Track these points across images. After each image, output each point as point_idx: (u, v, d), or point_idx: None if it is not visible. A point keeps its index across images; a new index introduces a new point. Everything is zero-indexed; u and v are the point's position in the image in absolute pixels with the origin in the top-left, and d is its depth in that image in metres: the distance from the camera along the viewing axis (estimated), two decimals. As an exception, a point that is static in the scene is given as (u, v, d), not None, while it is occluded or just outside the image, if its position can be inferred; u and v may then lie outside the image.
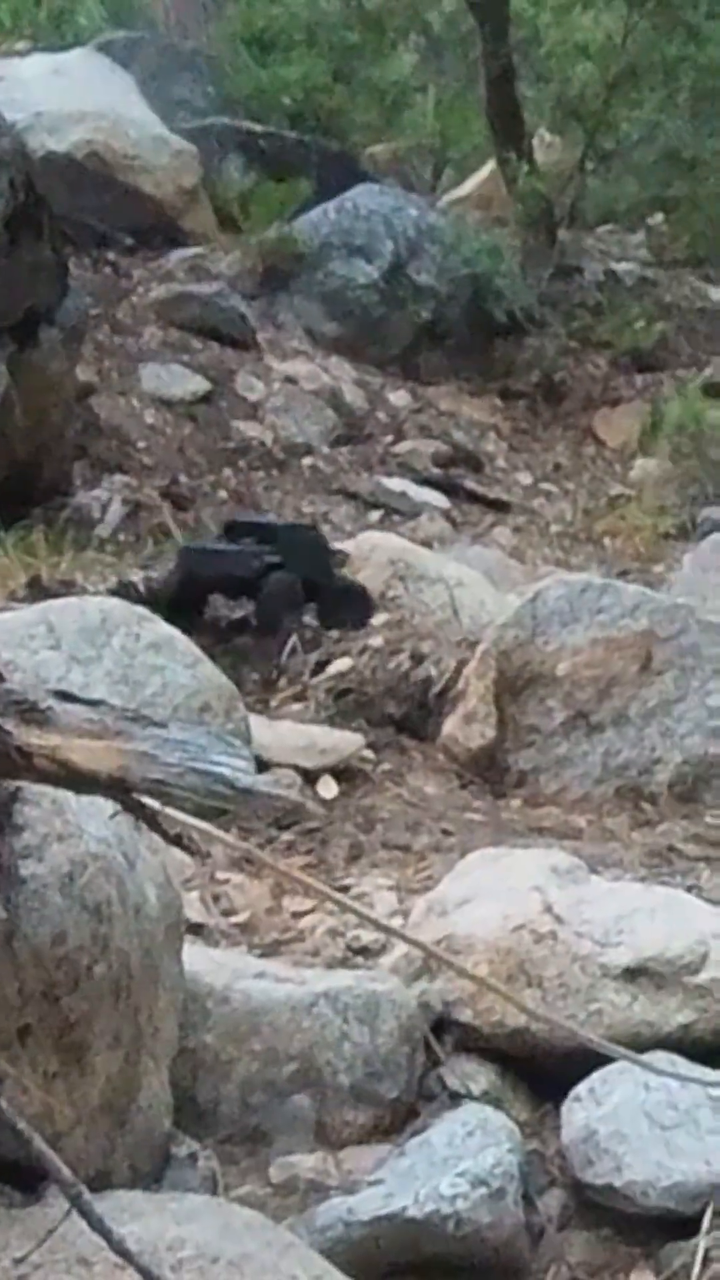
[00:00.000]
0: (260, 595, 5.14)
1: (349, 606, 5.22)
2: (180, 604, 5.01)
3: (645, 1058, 3.01)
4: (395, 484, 8.95)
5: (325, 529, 8.29)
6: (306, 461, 8.99)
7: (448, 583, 5.55)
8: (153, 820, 2.03)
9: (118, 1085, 2.47)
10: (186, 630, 4.48)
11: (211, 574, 5.25)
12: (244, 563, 5.25)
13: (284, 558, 5.25)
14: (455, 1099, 3.04)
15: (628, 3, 9.84)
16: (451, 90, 11.66)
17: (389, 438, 9.44)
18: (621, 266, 10.50)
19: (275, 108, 10.85)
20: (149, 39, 11.11)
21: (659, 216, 10.90)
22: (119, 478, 8.24)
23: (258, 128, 10.59)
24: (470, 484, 9.20)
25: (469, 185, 11.37)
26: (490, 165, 11.04)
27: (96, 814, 2.35)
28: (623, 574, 8.29)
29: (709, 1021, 3.12)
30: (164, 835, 2.06)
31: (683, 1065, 3.01)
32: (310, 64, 10.91)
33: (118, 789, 1.99)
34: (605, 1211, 2.82)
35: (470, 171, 11.57)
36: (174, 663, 4.29)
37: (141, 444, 8.86)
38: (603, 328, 9.96)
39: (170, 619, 4.46)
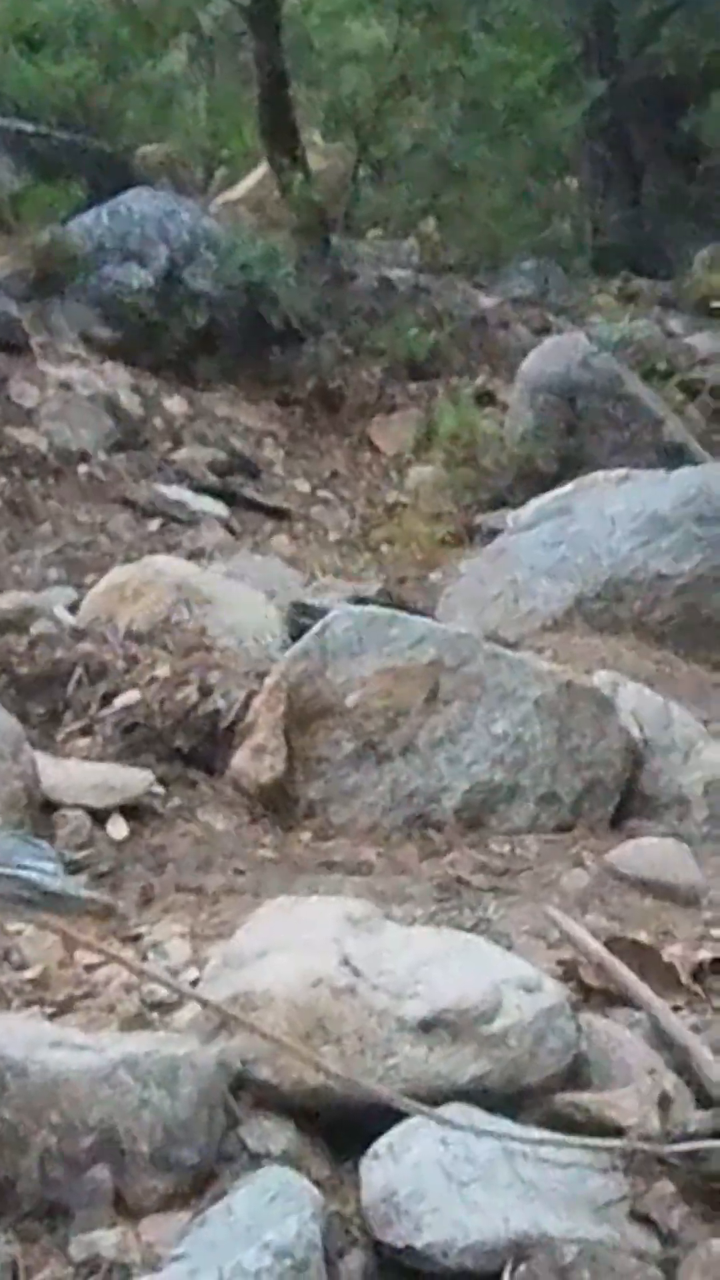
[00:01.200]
0: None
1: None
2: None
3: (441, 1111, 3.05)
4: (173, 492, 8.90)
5: (103, 539, 8.24)
6: (83, 469, 8.89)
7: (236, 608, 5.53)
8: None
9: None
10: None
11: None
12: None
13: None
14: (255, 1159, 3.04)
15: (398, 12, 9.91)
16: (223, 91, 11.62)
17: (166, 445, 9.39)
18: (395, 273, 10.58)
19: (46, 107, 10.69)
20: None
21: (431, 223, 11.01)
22: None
23: (28, 127, 10.44)
24: (248, 492, 9.20)
25: (242, 188, 11.36)
26: (263, 168, 11.04)
27: None
28: (400, 581, 8.39)
29: (503, 1071, 3.17)
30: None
31: (478, 1117, 3.06)
32: (81, 62, 10.77)
33: None
34: (406, 1272, 2.85)
35: (243, 173, 11.56)
36: (-43, 706, 4.22)
37: None
38: (377, 335, 10.04)
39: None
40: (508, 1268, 2.76)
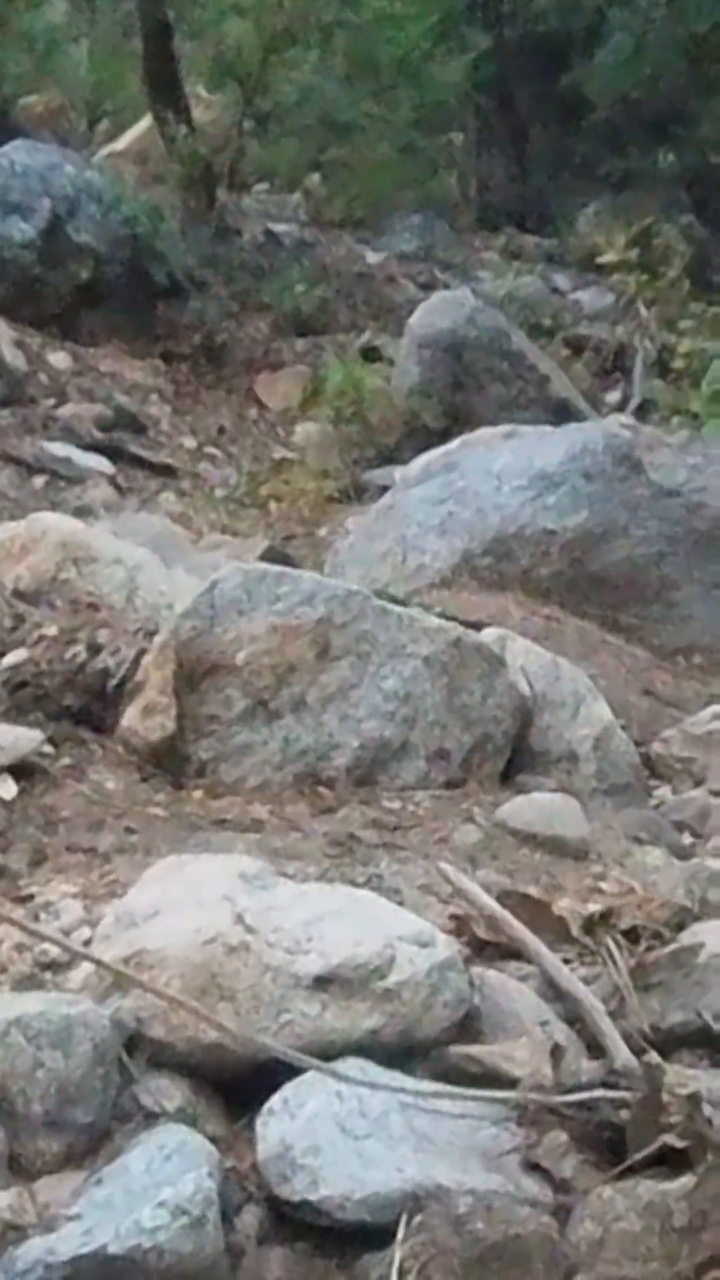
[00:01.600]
0: None
1: None
2: None
3: (336, 1066, 3.07)
4: (59, 449, 8.83)
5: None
6: (-35, 425, 8.79)
7: (124, 565, 5.48)
8: None
9: None
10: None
11: None
12: None
13: None
14: (151, 1118, 3.04)
15: (284, -37, 9.85)
16: (106, 42, 11.49)
17: (51, 401, 9.30)
18: (280, 228, 10.54)
19: None
20: None
21: (316, 178, 10.97)
22: None
23: None
24: (134, 448, 9.15)
25: (126, 140, 11.24)
26: (147, 120, 10.94)
27: None
28: (288, 538, 8.38)
29: (396, 1025, 3.19)
30: None
31: (373, 1072, 3.08)
32: (-41, 12, 10.60)
33: None
34: (302, 1226, 2.87)
35: (126, 125, 11.43)
36: None
37: None
38: (263, 290, 10.00)
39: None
40: (403, 1219, 2.78)
